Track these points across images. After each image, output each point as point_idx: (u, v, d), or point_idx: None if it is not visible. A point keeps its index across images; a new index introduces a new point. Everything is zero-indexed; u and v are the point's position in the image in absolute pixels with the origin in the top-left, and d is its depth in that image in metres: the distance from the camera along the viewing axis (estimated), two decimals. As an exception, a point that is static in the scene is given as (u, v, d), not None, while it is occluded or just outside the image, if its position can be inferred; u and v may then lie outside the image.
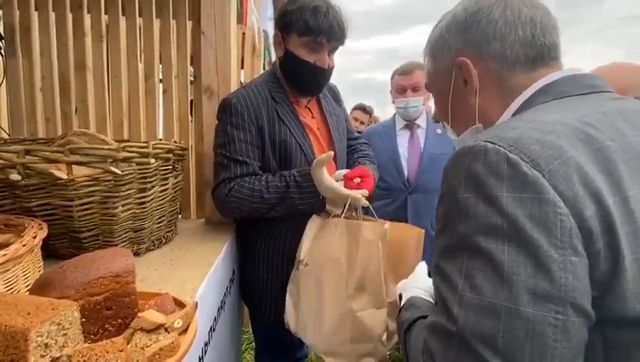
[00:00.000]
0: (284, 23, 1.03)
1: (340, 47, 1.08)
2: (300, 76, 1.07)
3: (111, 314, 0.54)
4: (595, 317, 0.40)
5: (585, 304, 0.39)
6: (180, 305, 0.65)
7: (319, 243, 0.98)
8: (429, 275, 0.70)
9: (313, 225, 1.02)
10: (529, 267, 0.39)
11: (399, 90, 1.71)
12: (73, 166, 0.78)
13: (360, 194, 0.98)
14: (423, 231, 0.96)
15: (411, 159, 1.72)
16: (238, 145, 1.03)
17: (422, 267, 0.77)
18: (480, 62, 0.56)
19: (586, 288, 0.39)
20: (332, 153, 0.96)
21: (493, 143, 0.43)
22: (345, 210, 0.98)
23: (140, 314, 0.53)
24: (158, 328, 0.53)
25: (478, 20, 0.55)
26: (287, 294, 1.03)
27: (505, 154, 0.42)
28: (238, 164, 1.03)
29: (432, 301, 0.64)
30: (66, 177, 0.76)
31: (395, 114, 1.85)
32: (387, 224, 0.93)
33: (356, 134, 1.37)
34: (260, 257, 1.11)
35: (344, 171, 1.06)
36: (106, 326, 0.54)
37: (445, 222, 0.47)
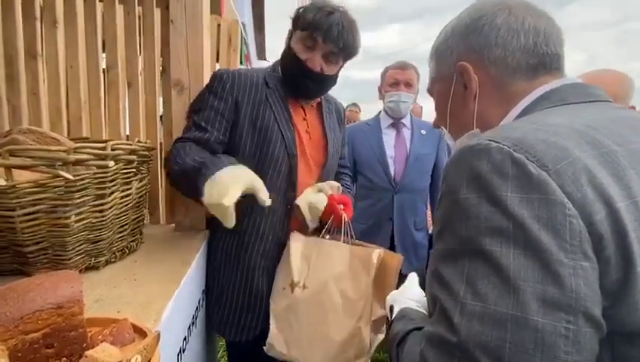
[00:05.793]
0: (293, 20, 1.03)
1: None
2: (289, 72, 1.05)
3: (52, 352, 0.45)
4: (605, 329, 0.37)
5: (596, 313, 0.36)
6: (141, 332, 0.56)
7: (317, 265, 0.98)
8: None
9: (298, 244, 1.01)
10: (537, 272, 0.36)
11: (392, 84, 1.66)
12: (17, 170, 0.67)
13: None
14: (403, 258, 1.00)
15: (397, 158, 1.68)
16: (208, 112, 0.99)
17: (412, 278, 0.74)
18: (481, 67, 0.55)
19: (597, 296, 0.36)
20: (269, 203, 0.86)
21: (497, 142, 0.41)
22: (325, 230, 1.04)
23: (87, 353, 0.44)
24: (111, 367, 0.45)
25: (481, 26, 0.54)
26: (273, 318, 0.99)
27: (509, 153, 0.39)
28: (197, 129, 0.99)
29: (425, 312, 0.61)
30: (4, 183, 0.65)
31: (379, 112, 1.80)
32: (381, 250, 0.99)
33: (345, 162, 1.33)
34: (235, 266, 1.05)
35: (328, 185, 1.05)
36: (47, 367, 0.45)
37: (444, 225, 0.43)
